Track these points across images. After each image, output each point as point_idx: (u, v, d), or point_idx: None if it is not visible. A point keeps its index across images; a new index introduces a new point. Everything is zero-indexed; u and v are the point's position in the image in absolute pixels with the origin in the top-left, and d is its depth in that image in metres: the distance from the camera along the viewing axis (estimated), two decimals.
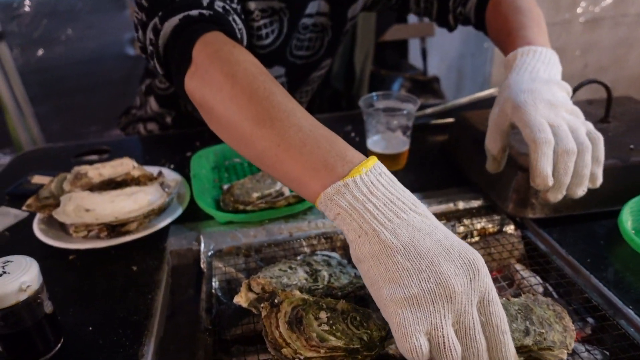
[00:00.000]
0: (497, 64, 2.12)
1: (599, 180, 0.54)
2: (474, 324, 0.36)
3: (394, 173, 0.87)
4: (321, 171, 0.42)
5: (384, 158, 0.82)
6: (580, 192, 0.54)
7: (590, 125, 0.55)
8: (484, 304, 0.37)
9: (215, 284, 0.61)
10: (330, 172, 0.41)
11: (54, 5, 3.26)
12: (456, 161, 0.83)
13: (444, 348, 0.35)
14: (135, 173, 0.71)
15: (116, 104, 1.06)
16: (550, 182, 0.51)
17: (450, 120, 0.96)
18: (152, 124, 1.05)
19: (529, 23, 0.67)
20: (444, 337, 0.35)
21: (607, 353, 0.50)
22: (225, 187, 0.76)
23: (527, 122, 0.53)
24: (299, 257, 0.57)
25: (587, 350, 0.50)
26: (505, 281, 0.59)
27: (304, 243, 0.66)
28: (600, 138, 0.54)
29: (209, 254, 0.64)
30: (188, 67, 0.52)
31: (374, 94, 0.83)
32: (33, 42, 2.74)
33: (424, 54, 1.70)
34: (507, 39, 0.68)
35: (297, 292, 0.49)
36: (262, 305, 0.48)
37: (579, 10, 2.07)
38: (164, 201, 0.68)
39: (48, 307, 0.47)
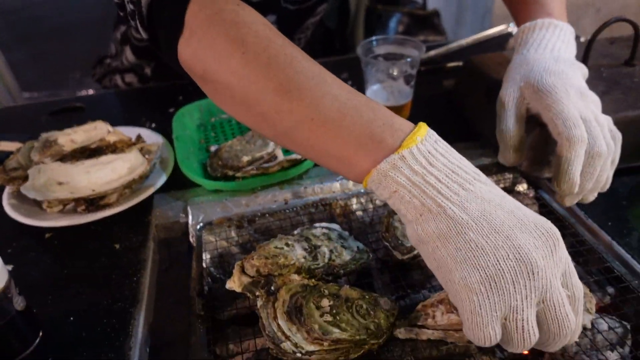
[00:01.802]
0: None
1: (609, 184, 0.49)
2: (562, 300, 0.33)
3: None
4: (368, 144, 0.36)
5: None
6: (592, 197, 0.49)
7: (610, 120, 0.49)
8: (566, 277, 0.34)
9: (206, 259, 0.56)
10: (379, 144, 0.36)
11: None
12: (465, 112, 0.76)
13: (522, 332, 0.32)
14: (111, 138, 0.64)
15: (95, 49, 0.97)
16: (577, 188, 0.46)
17: (458, 64, 0.88)
18: (130, 76, 0.97)
19: None
20: (523, 320, 0.32)
21: (628, 326, 0.46)
22: (213, 149, 0.69)
23: (558, 113, 0.46)
24: (296, 232, 0.52)
25: (606, 322, 0.47)
26: None
27: (301, 211, 0.61)
28: (620, 138, 0.48)
29: (198, 227, 0.59)
30: (181, 32, 0.42)
31: (373, 38, 0.74)
32: None
33: None
34: (522, 3, 0.58)
35: (296, 277, 0.45)
36: (257, 293, 0.43)
37: None
38: (146, 169, 0.62)
39: (19, 303, 0.42)
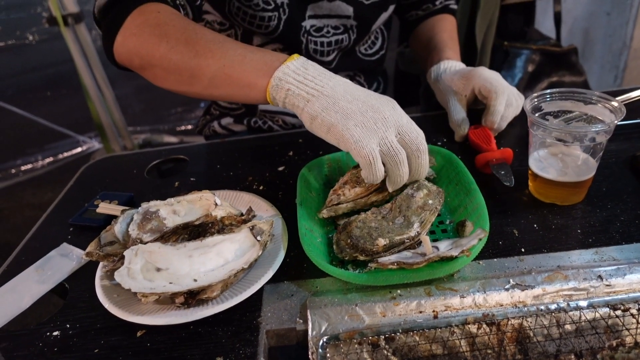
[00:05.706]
0: None
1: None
2: (412, 127, 0.50)
3: (571, 207, 0.61)
4: (264, 69, 0.52)
5: (553, 185, 0.58)
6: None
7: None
8: (410, 123, 0.51)
9: None
10: (271, 66, 0.52)
11: None
12: None
13: (392, 150, 0.49)
14: (218, 213, 0.53)
15: None
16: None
17: None
18: (226, 119, 0.93)
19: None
20: (391, 142, 0.49)
21: None
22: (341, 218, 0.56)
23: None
24: None
25: None
26: None
27: (457, 330, 0.45)
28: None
29: (321, 342, 0.45)
30: (116, 33, 0.60)
31: (548, 91, 0.58)
32: None
33: (557, 18, 1.36)
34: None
35: None
36: None
37: None
38: (257, 255, 0.50)
39: None
